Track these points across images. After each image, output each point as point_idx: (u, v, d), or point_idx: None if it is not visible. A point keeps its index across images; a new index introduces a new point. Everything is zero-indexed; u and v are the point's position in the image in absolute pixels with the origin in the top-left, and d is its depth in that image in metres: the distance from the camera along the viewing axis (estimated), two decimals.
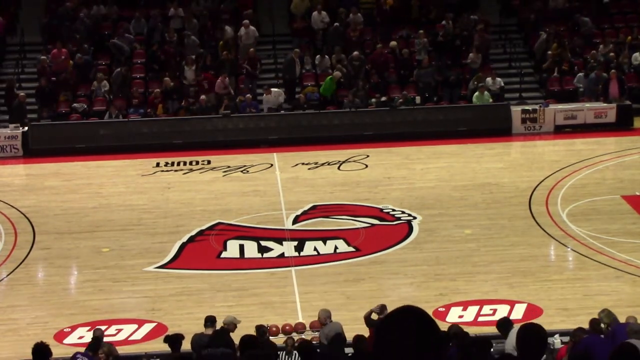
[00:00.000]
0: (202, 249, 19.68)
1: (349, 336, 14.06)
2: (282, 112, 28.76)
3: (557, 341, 13.57)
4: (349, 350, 13.77)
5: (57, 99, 28.99)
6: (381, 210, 21.54)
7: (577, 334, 12.41)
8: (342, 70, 29.31)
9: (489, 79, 29.48)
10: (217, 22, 31.70)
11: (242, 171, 25.15)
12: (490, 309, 16.20)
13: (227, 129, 28.05)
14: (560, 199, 22.02)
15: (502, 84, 29.61)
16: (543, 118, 28.40)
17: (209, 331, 13.41)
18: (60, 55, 29.62)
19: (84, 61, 29.78)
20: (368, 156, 26.05)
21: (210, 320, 13.66)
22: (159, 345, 14.54)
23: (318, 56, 30.47)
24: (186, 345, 12.98)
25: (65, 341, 15.45)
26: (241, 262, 18.96)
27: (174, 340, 12.71)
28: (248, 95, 28.91)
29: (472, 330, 14.83)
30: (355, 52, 29.80)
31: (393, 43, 30.46)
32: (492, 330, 15.25)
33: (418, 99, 29.08)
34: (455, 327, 12.44)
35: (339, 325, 13.85)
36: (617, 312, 15.94)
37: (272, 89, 28.83)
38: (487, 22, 31.83)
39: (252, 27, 30.76)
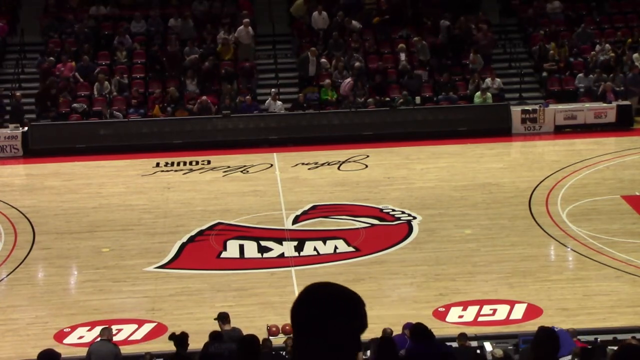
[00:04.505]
0: (202, 249, 19.68)
1: None
2: (282, 112, 28.77)
3: None
4: None
5: (57, 103, 28.92)
6: (381, 210, 21.53)
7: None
8: (333, 80, 29.46)
9: (488, 79, 29.49)
10: (216, 24, 31.68)
11: (242, 171, 25.15)
12: (490, 309, 16.21)
13: (227, 129, 28.04)
14: (560, 199, 22.02)
15: (502, 85, 29.61)
16: (543, 118, 28.40)
17: (227, 327, 13.42)
18: (66, 72, 29.51)
19: (86, 64, 29.82)
20: (368, 156, 26.04)
21: (223, 317, 13.66)
22: (159, 345, 14.56)
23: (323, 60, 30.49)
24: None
25: (65, 341, 15.46)
26: (241, 262, 18.96)
27: (181, 339, 12.71)
28: (248, 96, 28.93)
29: (472, 330, 14.86)
30: (357, 63, 29.78)
31: (402, 63, 30.25)
32: (492, 330, 15.28)
33: (418, 99, 29.10)
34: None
35: None
36: (617, 312, 16.00)
37: (278, 102, 28.84)
38: (487, 22, 31.85)
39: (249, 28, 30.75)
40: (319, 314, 3.55)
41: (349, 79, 29.23)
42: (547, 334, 7.49)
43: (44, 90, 28.84)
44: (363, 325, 3.64)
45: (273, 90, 29.25)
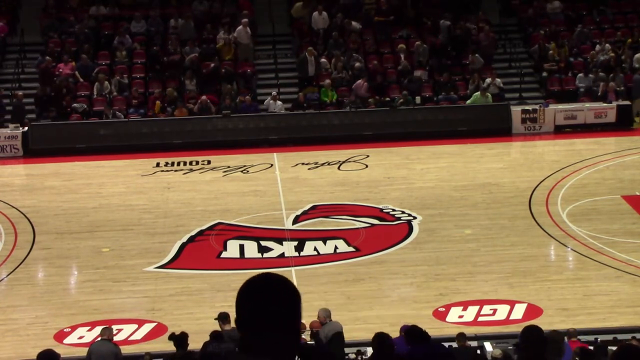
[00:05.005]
0: (202, 249, 19.68)
1: (348, 336, 14.09)
2: (282, 112, 28.78)
3: None
4: (348, 350, 13.80)
5: (56, 105, 28.89)
6: (381, 210, 21.53)
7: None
8: (333, 80, 29.46)
9: (488, 79, 29.49)
10: (216, 24, 31.69)
11: (242, 171, 25.15)
12: (490, 309, 16.21)
13: (227, 129, 28.05)
14: (560, 199, 22.02)
15: (501, 85, 29.61)
16: (543, 118, 28.40)
17: (227, 327, 13.42)
18: (66, 71, 29.52)
19: (86, 64, 29.83)
20: (368, 156, 26.04)
21: (223, 317, 13.66)
22: (159, 345, 14.56)
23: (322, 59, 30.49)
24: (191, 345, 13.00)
25: (65, 341, 15.46)
26: (241, 262, 18.96)
27: (181, 339, 12.72)
28: (247, 96, 28.93)
29: (472, 330, 14.86)
30: (357, 64, 29.80)
31: (403, 63, 30.23)
32: (492, 330, 15.28)
33: (418, 99, 29.11)
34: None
35: (338, 324, 13.86)
36: (617, 312, 16.01)
37: (278, 102, 28.84)
38: (487, 22, 31.86)
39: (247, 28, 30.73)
40: (259, 307, 3.65)
41: (360, 80, 29.19)
42: (535, 334, 7.48)
43: (56, 90, 28.84)
44: (298, 314, 3.77)
45: (273, 92, 29.20)
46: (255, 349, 3.63)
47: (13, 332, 16.07)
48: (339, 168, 25.17)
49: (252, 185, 23.83)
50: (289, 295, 3.71)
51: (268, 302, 3.66)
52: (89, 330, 15.71)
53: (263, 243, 19.73)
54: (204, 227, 20.72)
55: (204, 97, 28.59)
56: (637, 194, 22.28)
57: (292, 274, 18.02)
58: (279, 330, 3.66)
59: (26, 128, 27.49)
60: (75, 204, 22.72)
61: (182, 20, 31.48)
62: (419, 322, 12.25)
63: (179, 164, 25.93)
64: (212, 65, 29.81)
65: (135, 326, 15.96)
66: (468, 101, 28.90)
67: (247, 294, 3.68)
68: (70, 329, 15.90)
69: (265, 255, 19.20)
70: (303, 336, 14.50)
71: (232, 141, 27.54)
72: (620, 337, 13.99)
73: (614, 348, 12.02)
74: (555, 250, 19.37)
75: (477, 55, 30.35)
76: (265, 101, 28.98)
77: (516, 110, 28.49)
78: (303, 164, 25.61)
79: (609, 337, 14.13)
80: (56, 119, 28.39)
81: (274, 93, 29.11)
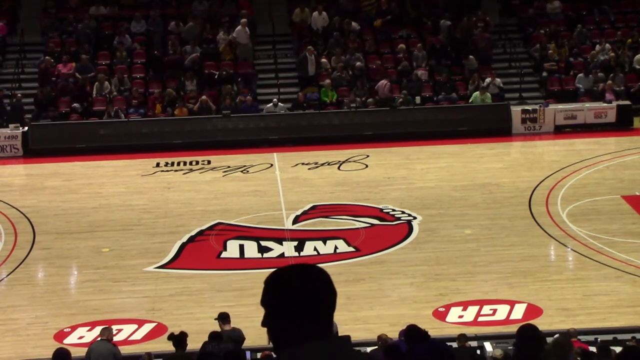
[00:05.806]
0: (202, 249, 19.68)
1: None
2: (282, 112, 28.75)
3: None
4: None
5: (56, 105, 28.90)
6: (381, 210, 21.53)
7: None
8: (333, 79, 29.44)
9: (488, 79, 29.48)
10: (216, 24, 31.69)
11: (242, 171, 25.15)
12: (490, 309, 16.21)
13: (227, 129, 28.04)
14: (560, 199, 22.02)
15: (501, 85, 29.61)
16: (543, 118, 28.40)
17: (227, 327, 13.42)
18: (65, 70, 29.52)
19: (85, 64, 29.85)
20: (368, 156, 26.04)
21: (223, 317, 13.66)
22: (159, 345, 14.56)
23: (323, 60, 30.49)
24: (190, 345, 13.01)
25: (65, 341, 15.44)
26: (241, 262, 18.96)
27: (180, 339, 12.73)
28: (248, 96, 28.91)
29: (472, 330, 14.86)
30: (358, 63, 29.82)
31: (404, 64, 30.24)
32: (492, 330, 15.28)
33: (418, 99, 29.10)
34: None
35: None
36: (617, 312, 16.01)
37: (279, 104, 28.76)
38: (487, 22, 31.85)
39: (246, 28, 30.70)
40: (288, 297, 3.69)
41: (384, 81, 29.13)
42: (531, 333, 7.46)
43: (80, 88, 28.87)
44: (332, 296, 3.81)
45: (275, 99, 29.03)
46: (291, 340, 3.54)
47: (13, 332, 16.07)
48: (339, 168, 25.17)
49: (252, 185, 23.83)
50: (315, 282, 3.69)
51: (299, 290, 3.70)
52: (89, 330, 15.71)
53: (263, 243, 19.73)
54: (204, 227, 20.72)
55: (204, 97, 28.58)
56: (637, 194, 22.28)
57: None
58: (311, 318, 3.68)
59: (26, 128, 27.49)
60: (75, 204, 22.72)
61: (190, 23, 31.34)
62: (419, 322, 12.25)
63: (179, 164, 25.92)
64: (211, 72, 29.77)
65: (135, 326, 15.96)
66: (470, 100, 28.88)
67: (272, 287, 3.62)
68: (70, 329, 15.90)
69: (265, 255, 19.20)
70: None
71: (232, 141, 27.53)
72: (620, 337, 13.99)
73: (615, 348, 12.02)
74: (555, 250, 19.37)
75: (471, 57, 30.30)
76: (264, 110, 28.75)
77: (516, 110, 28.48)
78: (303, 164, 25.61)
79: (609, 337, 14.12)
80: (55, 118, 28.40)
81: (275, 100, 28.90)
